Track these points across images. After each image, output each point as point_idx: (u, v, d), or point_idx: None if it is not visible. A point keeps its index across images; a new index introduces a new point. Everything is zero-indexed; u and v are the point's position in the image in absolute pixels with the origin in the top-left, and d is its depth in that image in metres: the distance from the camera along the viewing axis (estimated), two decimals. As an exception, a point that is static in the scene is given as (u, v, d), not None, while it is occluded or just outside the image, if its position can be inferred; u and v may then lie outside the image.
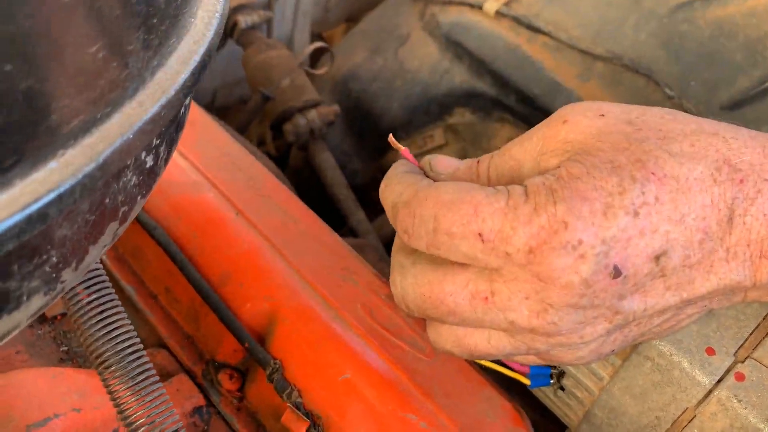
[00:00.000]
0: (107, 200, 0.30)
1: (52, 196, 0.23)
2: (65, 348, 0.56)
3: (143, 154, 0.31)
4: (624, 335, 0.43)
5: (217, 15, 0.33)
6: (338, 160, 1.03)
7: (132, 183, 0.31)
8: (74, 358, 0.56)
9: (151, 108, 0.27)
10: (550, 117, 0.44)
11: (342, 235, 0.94)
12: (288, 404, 0.51)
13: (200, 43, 0.31)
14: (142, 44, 0.26)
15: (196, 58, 0.30)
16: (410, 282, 0.43)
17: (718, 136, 0.40)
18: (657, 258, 0.39)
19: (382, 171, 1.13)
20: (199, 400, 0.54)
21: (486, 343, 0.44)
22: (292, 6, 1.18)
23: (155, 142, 0.32)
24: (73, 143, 0.24)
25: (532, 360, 0.46)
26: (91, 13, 0.22)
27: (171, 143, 0.35)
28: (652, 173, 0.39)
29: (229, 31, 0.99)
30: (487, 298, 0.41)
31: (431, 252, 0.42)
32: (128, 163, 0.30)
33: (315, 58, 1.07)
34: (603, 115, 0.42)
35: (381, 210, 1.03)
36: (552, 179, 0.39)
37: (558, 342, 0.42)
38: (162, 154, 0.34)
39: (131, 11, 0.24)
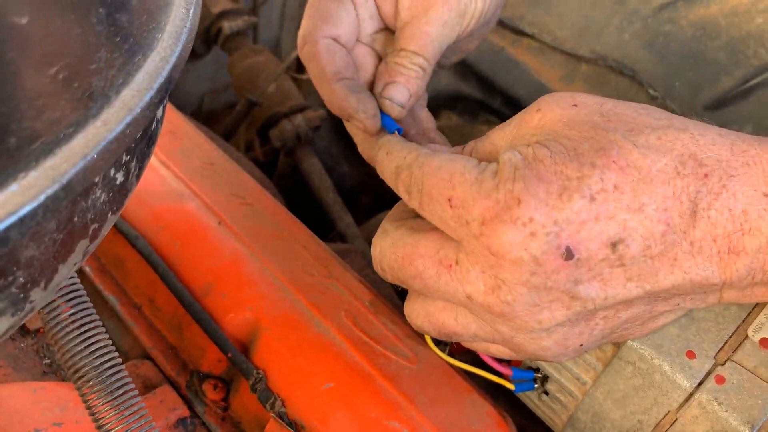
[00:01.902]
0: (75, 219, 0.30)
1: (12, 219, 0.23)
2: (48, 361, 0.56)
3: (112, 171, 0.31)
4: (591, 329, 0.43)
5: (186, 30, 0.33)
6: (326, 164, 1.03)
7: (102, 200, 0.31)
8: (57, 371, 0.56)
9: (116, 127, 0.27)
10: (528, 106, 0.45)
11: (330, 239, 0.94)
12: (271, 414, 0.51)
13: (167, 60, 0.30)
14: (105, 63, 0.26)
15: (163, 75, 0.30)
16: (389, 243, 0.46)
17: (686, 132, 0.41)
18: (613, 245, 0.39)
19: (371, 174, 1.13)
20: (183, 411, 0.54)
21: (453, 320, 0.46)
22: (279, 10, 1.18)
23: (125, 158, 0.32)
24: (35, 165, 0.24)
25: (502, 350, 0.46)
26: (49, 35, 0.22)
27: (143, 158, 0.35)
28: (614, 161, 0.39)
29: (213, 37, 0.99)
30: (451, 266, 0.43)
31: (422, 213, 0.45)
32: (96, 180, 0.30)
33: (301, 62, 1.07)
34: (576, 105, 0.43)
35: (370, 213, 1.03)
36: (518, 158, 0.41)
37: (517, 326, 0.42)
38: (133, 169, 0.34)
39: (92, 31, 0.24)
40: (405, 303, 0.49)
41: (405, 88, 0.54)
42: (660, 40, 0.81)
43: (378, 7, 0.58)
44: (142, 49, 0.29)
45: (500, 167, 0.41)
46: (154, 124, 0.36)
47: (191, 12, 0.34)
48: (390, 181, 0.47)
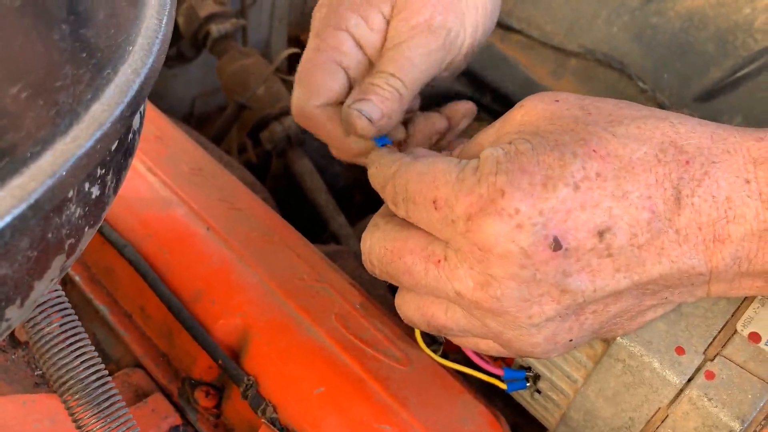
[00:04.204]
0: (50, 235, 0.29)
1: (-22, 240, 0.23)
2: (40, 372, 0.56)
3: (87, 186, 0.31)
4: (580, 323, 0.43)
5: (158, 41, 0.32)
6: (319, 164, 1.02)
7: (77, 215, 0.31)
8: (49, 382, 0.56)
9: (86, 142, 0.27)
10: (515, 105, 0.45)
11: (324, 240, 0.94)
12: (263, 420, 0.51)
13: (138, 72, 0.30)
14: (71, 80, 0.26)
15: (135, 87, 0.30)
16: (378, 237, 0.46)
17: (666, 120, 0.41)
18: (600, 234, 0.39)
19: (364, 173, 1.12)
20: (175, 419, 0.54)
21: (443, 314, 0.46)
22: (268, 12, 1.18)
23: (100, 172, 0.32)
24: (1, 185, 0.24)
25: (492, 346, 0.46)
26: (8, 55, 0.22)
27: (119, 170, 0.35)
28: (594, 150, 0.39)
29: (201, 40, 0.99)
30: (439, 261, 0.43)
31: (410, 220, 0.45)
32: (69, 196, 0.30)
33: (291, 63, 1.07)
34: (558, 101, 0.43)
35: (363, 213, 1.03)
36: (500, 152, 0.41)
37: (507, 321, 0.42)
38: (110, 182, 0.34)
39: (55, 49, 0.24)
40: (396, 295, 0.49)
41: (376, 106, 0.53)
42: (648, 32, 0.80)
43: (367, 57, 0.57)
44: (112, 63, 0.29)
45: (481, 162, 0.41)
46: (131, 135, 0.36)
47: (164, 22, 0.33)
48: (381, 194, 0.48)
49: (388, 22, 0.56)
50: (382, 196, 0.47)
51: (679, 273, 0.40)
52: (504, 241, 0.39)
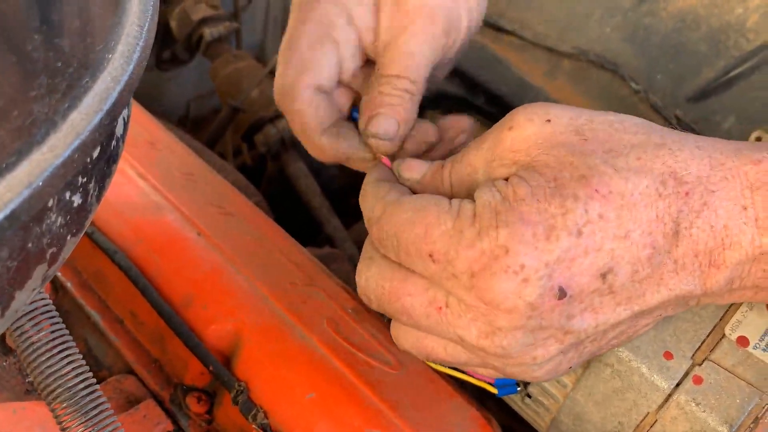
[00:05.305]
0: (30, 245, 0.29)
1: (-48, 252, 0.23)
2: (31, 379, 0.56)
3: (67, 195, 0.31)
4: (579, 352, 0.43)
5: (138, 47, 0.32)
6: (314, 167, 1.02)
7: (58, 224, 0.31)
8: (37, 389, 0.55)
9: (63, 152, 0.27)
10: (502, 120, 0.43)
11: (319, 243, 0.94)
12: (254, 426, 0.51)
13: (118, 80, 0.30)
14: (46, 89, 0.26)
15: (114, 95, 0.30)
16: (374, 273, 0.44)
17: (664, 148, 0.40)
18: (603, 276, 0.39)
19: (359, 176, 1.13)
20: (167, 425, 0.54)
21: (442, 350, 0.45)
22: (261, 14, 1.18)
23: (81, 180, 0.32)
24: (-25, 196, 0.24)
25: (492, 373, 0.46)
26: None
27: (103, 178, 0.35)
28: (596, 190, 0.38)
29: (195, 44, 0.99)
30: (441, 308, 0.42)
31: (402, 264, 0.43)
32: (49, 205, 0.30)
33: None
34: (549, 121, 0.41)
35: (358, 216, 1.02)
36: (498, 199, 0.39)
37: (510, 363, 0.42)
38: (92, 190, 0.34)
39: (28, 59, 0.24)
40: (391, 326, 0.47)
41: (391, 118, 0.51)
42: (641, 32, 0.80)
43: (360, 39, 0.54)
44: (90, 71, 0.29)
45: (478, 211, 0.40)
46: (114, 142, 0.36)
47: (145, 29, 0.33)
48: (368, 229, 0.45)
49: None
50: (369, 230, 0.45)
51: (676, 298, 0.40)
52: (512, 297, 0.38)
